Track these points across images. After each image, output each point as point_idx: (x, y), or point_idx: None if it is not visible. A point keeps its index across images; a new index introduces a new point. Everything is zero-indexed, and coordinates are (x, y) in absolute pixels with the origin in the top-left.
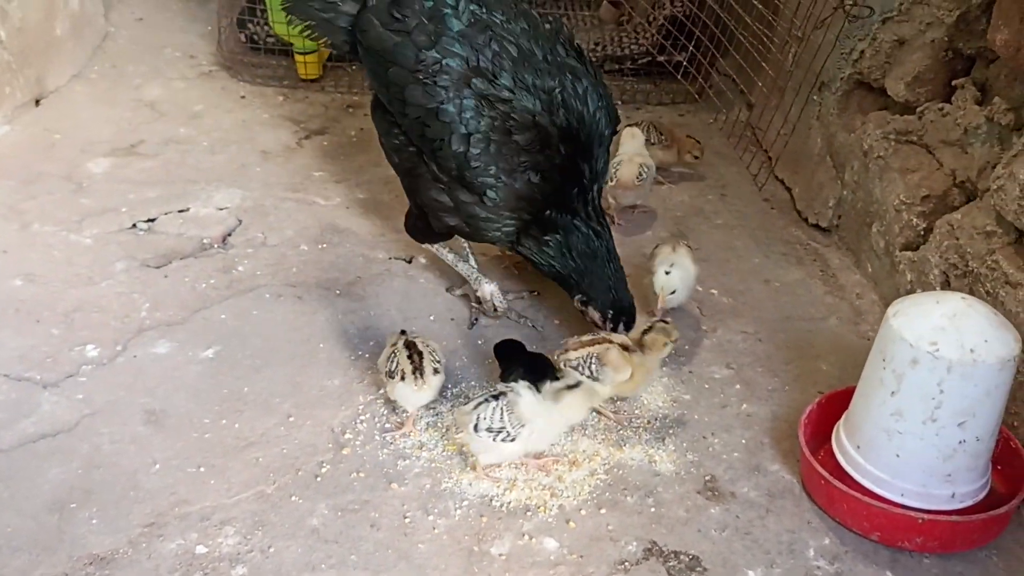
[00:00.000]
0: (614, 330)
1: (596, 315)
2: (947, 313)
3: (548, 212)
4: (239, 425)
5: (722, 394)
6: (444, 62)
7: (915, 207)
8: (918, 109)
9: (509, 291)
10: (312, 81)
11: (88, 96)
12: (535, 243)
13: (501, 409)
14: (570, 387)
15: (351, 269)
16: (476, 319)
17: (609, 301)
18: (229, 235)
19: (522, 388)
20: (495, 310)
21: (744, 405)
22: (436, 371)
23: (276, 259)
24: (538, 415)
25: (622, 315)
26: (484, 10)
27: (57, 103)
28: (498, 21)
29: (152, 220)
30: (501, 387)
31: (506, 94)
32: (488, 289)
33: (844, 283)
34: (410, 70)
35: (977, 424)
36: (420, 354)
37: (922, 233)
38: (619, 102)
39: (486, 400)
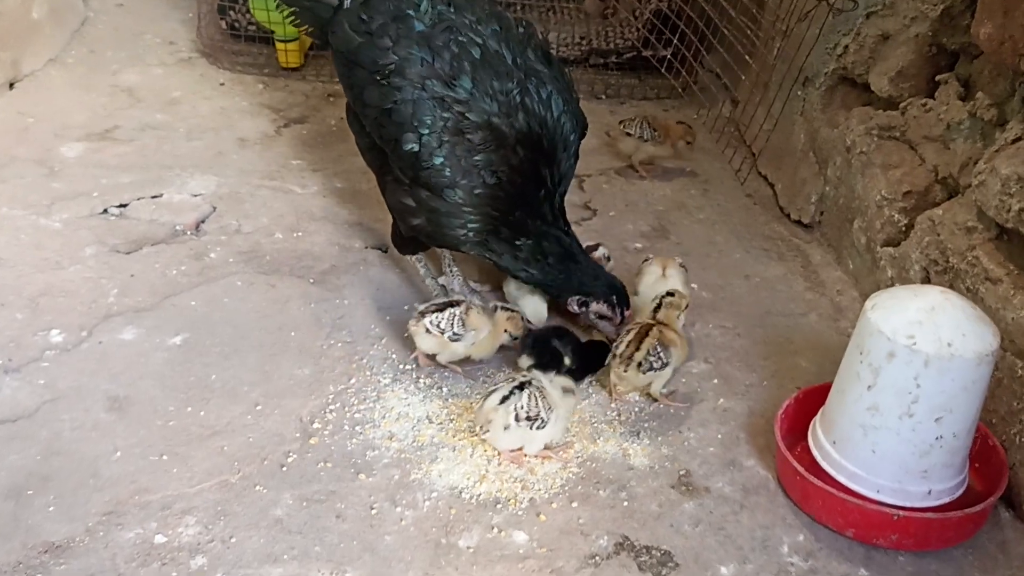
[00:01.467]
0: (623, 314)
1: (603, 307)
2: (924, 307)
3: (516, 214)
4: (204, 413)
5: (699, 389)
6: (400, 63)
7: (896, 203)
8: (901, 105)
9: (473, 280)
10: (293, 70)
11: (64, 80)
12: (508, 248)
13: (535, 396)
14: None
15: (326, 258)
16: None
17: (606, 289)
18: (202, 222)
19: (540, 375)
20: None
21: (721, 400)
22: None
23: (250, 247)
24: (559, 403)
25: (623, 298)
26: (452, 11)
27: (32, 87)
28: (467, 22)
29: (124, 205)
30: (519, 376)
31: (462, 95)
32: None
33: (825, 279)
34: (369, 71)
35: (954, 420)
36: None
37: (903, 229)
38: (603, 96)
39: (513, 392)
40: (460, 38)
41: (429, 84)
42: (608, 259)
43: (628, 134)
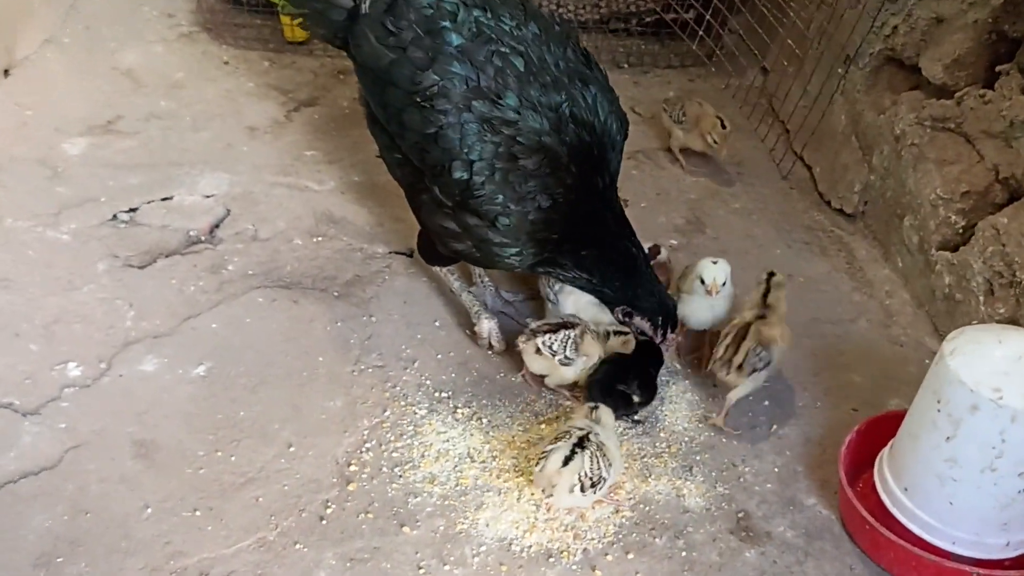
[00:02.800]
0: (663, 337)
1: (645, 324)
2: (1011, 355)
3: (577, 228)
4: (235, 458)
5: (750, 412)
6: (442, 84)
7: (954, 203)
8: (957, 94)
9: (507, 291)
10: (299, 44)
11: (61, 64)
12: (572, 259)
13: (596, 457)
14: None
15: (349, 267)
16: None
17: (657, 308)
18: (217, 226)
19: (602, 424)
20: (490, 348)
21: (774, 426)
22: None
23: (268, 255)
24: (614, 445)
25: (670, 319)
26: (489, 16)
27: (28, 73)
28: (507, 28)
29: (134, 210)
30: (575, 428)
31: (511, 115)
32: (487, 327)
33: (872, 278)
34: (407, 91)
35: None
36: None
37: (961, 232)
38: (625, 65)
39: (575, 452)
40: (502, 49)
41: (476, 105)
42: (658, 254)
43: (664, 110)
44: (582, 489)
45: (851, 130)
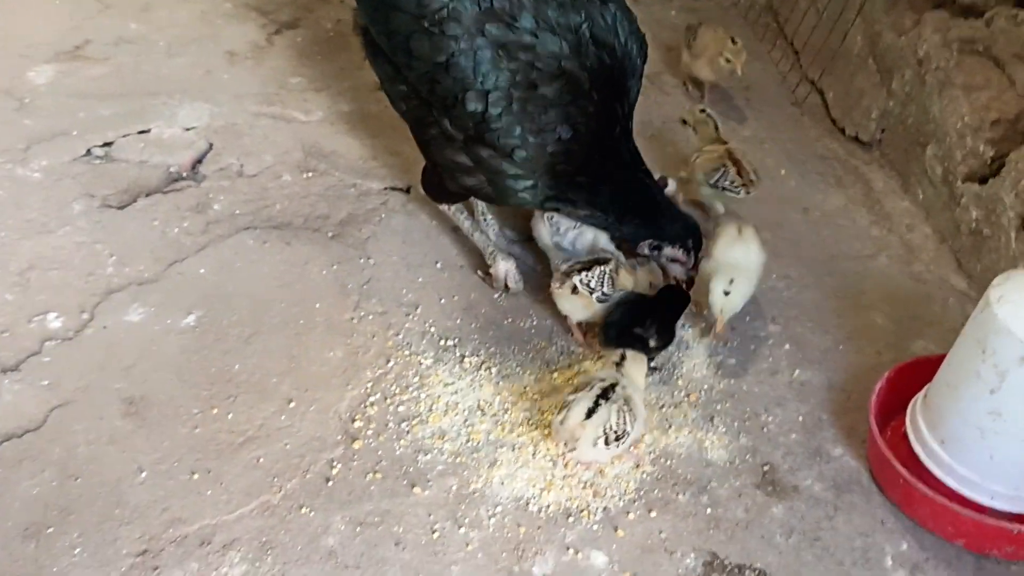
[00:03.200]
0: (697, 258)
1: (678, 252)
2: None
3: (593, 160)
4: (233, 415)
5: (771, 358)
6: (453, 6)
7: (983, 132)
8: (986, 14)
9: (509, 231)
10: None
11: None
12: (585, 195)
13: (622, 410)
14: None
15: (342, 204)
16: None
17: (683, 232)
18: (200, 161)
19: (630, 378)
20: (506, 290)
21: (796, 371)
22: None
23: (256, 193)
24: (640, 400)
25: (699, 238)
26: None
27: None
28: None
29: (109, 144)
30: (598, 380)
31: (527, 39)
32: (503, 267)
33: (891, 211)
34: (413, 15)
35: None
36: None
37: (989, 163)
38: None
39: (599, 403)
40: None
41: (489, 29)
42: (665, 186)
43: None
44: (606, 442)
45: (868, 52)
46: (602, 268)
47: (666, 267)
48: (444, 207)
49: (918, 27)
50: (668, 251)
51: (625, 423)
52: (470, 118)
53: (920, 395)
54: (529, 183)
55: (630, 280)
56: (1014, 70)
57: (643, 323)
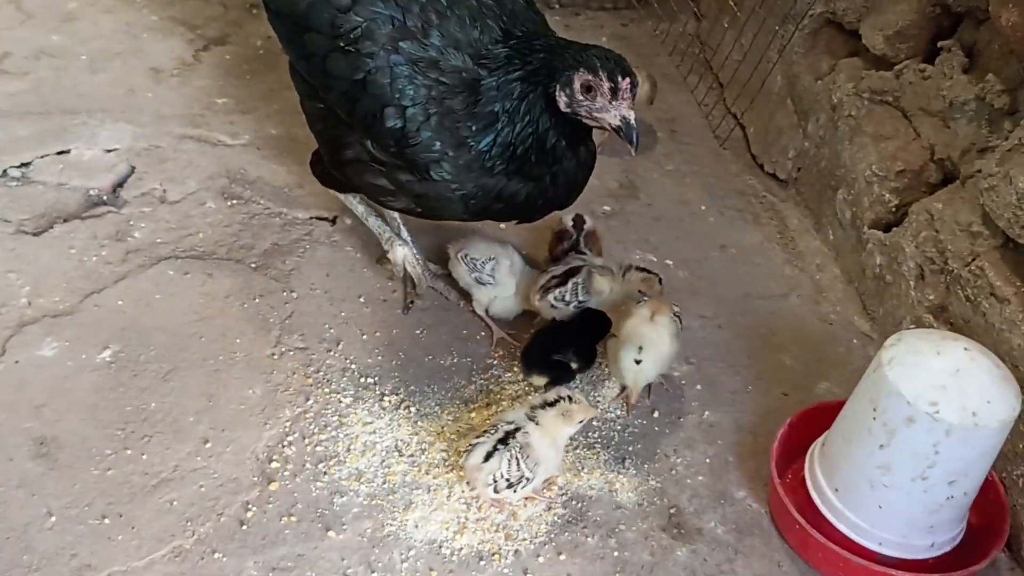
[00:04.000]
0: (614, 79)
1: (585, 76)
2: (949, 368)
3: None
4: (147, 456)
5: (683, 398)
6: (367, 25)
7: (888, 181)
8: (896, 66)
9: (434, 261)
10: None
11: None
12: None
13: (516, 458)
14: (549, 404)
15: (267, 234)
16: (412, 302)
17: (584, 56)
18: (120, 185)
19: (532, 420)
20: (414, 291)
21: (706, 412)
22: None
23: (179, 221)
24: (548, 447)
25: (615, 59)
26: None
27: None
28: None
29: (27, 165)
30: (504, 423)
31: (433, 54)
32: (400, 253)
33: (803, 250)
34: (329, 36)
35: (968, 482)
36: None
37: (894, 211)
38: (557, 5)
39: (496, 448)
40: None
41: (403, 46)
42: (584, 224)
43: None
44: (495, 491)
45: (787, 92)
46: (574, 280)
47: (589, 116)
48: (342, 196)
49: (833, 73)
50: (578, 80)
51: (521, 469)
52: (390, 135)
53: (819, 442)
54: (459, 192)
55: (606, 282)
56: (920, 123)
57: (560, 349)
